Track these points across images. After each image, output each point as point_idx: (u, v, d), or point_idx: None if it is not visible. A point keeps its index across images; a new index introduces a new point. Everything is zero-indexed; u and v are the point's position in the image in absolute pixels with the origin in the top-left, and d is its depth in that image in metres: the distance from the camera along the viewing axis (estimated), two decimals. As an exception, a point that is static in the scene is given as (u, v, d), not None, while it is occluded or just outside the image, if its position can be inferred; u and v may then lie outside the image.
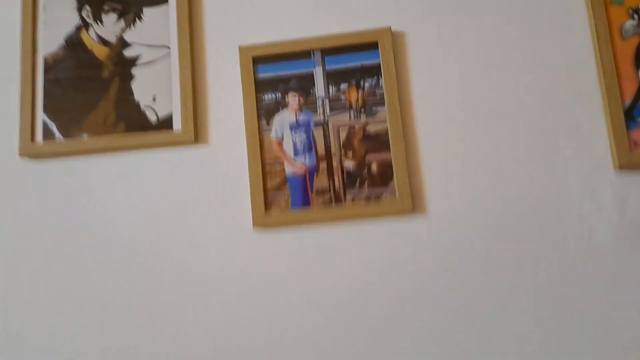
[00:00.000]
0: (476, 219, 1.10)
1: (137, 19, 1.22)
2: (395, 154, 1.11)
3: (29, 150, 1.16)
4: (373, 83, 1.15)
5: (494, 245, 1.08)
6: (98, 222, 1.15)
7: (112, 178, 1.17)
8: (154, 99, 1.18)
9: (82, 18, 1.22)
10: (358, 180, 1.11)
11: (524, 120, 1.13)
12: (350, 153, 1.13)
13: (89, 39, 1.22)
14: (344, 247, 1.10)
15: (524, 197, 1.10)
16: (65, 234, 1.15)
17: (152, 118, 1.17)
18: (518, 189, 1.10)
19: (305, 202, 1.11)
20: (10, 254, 1.15)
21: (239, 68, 1.18)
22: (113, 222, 1.15)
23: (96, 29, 1.22)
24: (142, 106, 1.18)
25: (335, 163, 1.13)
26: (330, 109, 1.15)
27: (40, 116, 1.18)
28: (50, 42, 1.22)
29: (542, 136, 1.12)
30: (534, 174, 1.11)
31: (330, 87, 1.16)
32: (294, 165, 1.13)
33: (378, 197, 1.10)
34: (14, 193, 1.17)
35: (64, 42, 1.22)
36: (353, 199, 1.11)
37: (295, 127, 1.15)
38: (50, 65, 1.21)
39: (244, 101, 1.16)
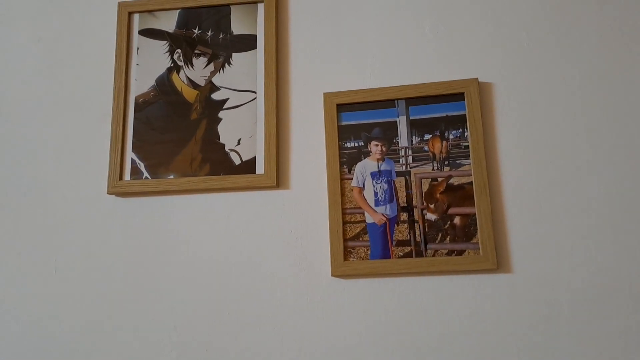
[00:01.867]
0: (564, 284, 1.05)
1: (226, 64, 1.26)
2: (479, 209, 1.09)
3: (117, 188, 1.21)
4: (458, 134, 1.14)
5: (582, 313, 1.04)
6: (178, 260, 1.18)
7: (194, 217, 1.19)
8: (239, 142, 1.21)
9: (173, 61, 1.28)
10: (440, 234, 1.10)
11: (617, 177, 1.09)
12: (432, 205, 1.11)
13: (179, 81, 1.26)
14: (423, 301, 1.08)
15: (616, 263, 1.05)
16: (147, 269, 1.18)
17: (236, 161, 1.20)
18: (610, 254, 1.05)
19: (385, 253, 1.10)
20: (95, 287, 1.19)
21: (322, 114, 1.20)
22: (192, 260, 1.17)
23: (187, 71, 1.27)
24: (227, 149, 1.21)
25: (416, 215, 1.11)
26: (413, 159, 1.14)
27: (129, 155, 1.23)
28: (142, 83, 1.27)
29: (637, 196, 1.07)
30: (628, 238, 1.06)
31: (414, 136, 1.15)
32: (375, 215, 1.12)
33: (460, 253, 1.08)
34: (100, 228, 1.22)
35: (155, 83, 1.27)
36: (434, 253, 1.09)
37: (377, 176, 1.15)
38: (141, 106, 1.26)
39: (326, 148, 1.17)
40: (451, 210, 1.11)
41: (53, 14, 1.36)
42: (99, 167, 1.25)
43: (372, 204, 1.13)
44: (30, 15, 1.37)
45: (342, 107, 1.19)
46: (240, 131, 1.22)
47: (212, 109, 1.24)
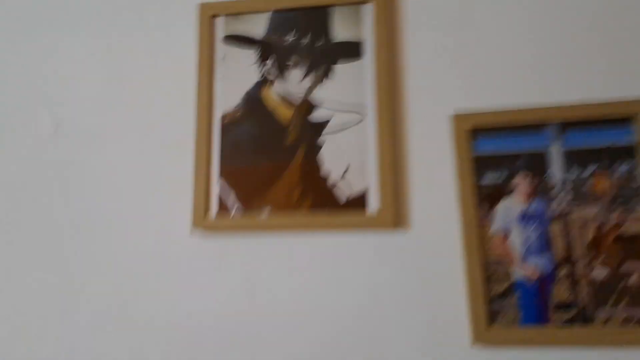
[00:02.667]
0: None
1: (327, 76, 1.05)
2: (665, 265, 0.85)
3: (202, 224, 1.01)
4: (628, 168, 0.91)
5: None
6: (271, 310, 0.97)
7: (292, 260, 0.99)
8: (346, 173, 1.00)
9: (264, 73, 1.07)
10: (612, 296, 0.87)
11: None
12: (600, 258, 0.89)
13: (270, 97, 1.06)
14: (591, 381, 0.86)
15: None
16: (235, 320, 0.98)
17: (343, 195, 0.99)
18: None
19: (541, 317, 0.88)
20: (175, 337, 1.00)
21: (452, 140, 0.98)
22: (287, 312, 0.97)
23: (279, 86, 1.06)
24: (331, 180, 1.00)
25: (579, 269, 0.89)
26: (572, 199, 0.92)
27: (216, 184, 1.04)
28: (228, 99, 1.07)
29: None
30: None
31: (572, 170, 0.92)
32: (525, 269, 0.90)
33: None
34: (183, 270, 1.02)
35: (242, 100, 1.07)
36: (606, 320, 0.86)
37: (525, 219, 0.92)
38: (228, 127, 1.06)
39: (458, 182, 0.95)
40: (626, 266, 0.88)
41: (123, 17, 1.16)
42: (181, 200, 1.05)
43: (521, 255, 0.91)
44: (96, 19, 1.18)
45: (477, 132, 0.96)
46: (347, 159, 1.00)
47: (312, 131, 1.03)
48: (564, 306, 0.88)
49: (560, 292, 0.88)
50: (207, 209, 1.02)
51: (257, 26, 1.09)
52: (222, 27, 1.10)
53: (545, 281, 0.89)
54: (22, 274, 1.08)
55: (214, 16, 1.10)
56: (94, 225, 1.07)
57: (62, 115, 1.14)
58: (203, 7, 1.10)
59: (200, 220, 1.01)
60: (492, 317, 0.89)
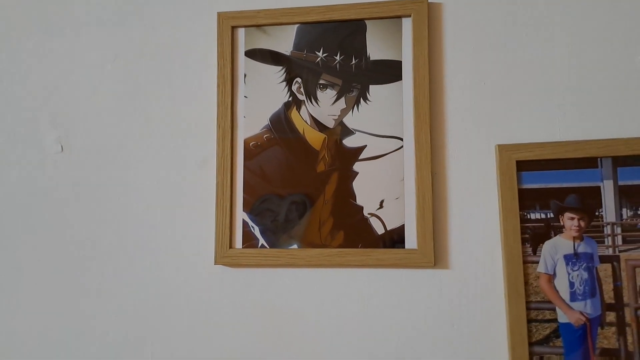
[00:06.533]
0: None
1: (361, 100, 0.97)
2: None
3: (227, 259, 0.96)
4: (684, 208, 0.86)
5: None
6: (296, 348, 0.95)
7: (322, 297, 0.95)
8: (382, 205, 0.94)
9: (292, 93, 0.99)
10: (662, 344, 0.84)
11: None
12: (650, 303, 0.86)
13: (300, 120, 0.98)
14: None
15: None
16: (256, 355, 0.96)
17: (379, 230, 0.94)
18: None
19: (586, 364, 0.86)
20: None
21: (495, 173, 0.92)
22: (313, 349, 0.94)
23: (309, 108, 0.98)
24: (365, 213, 0.94)
25: (628, 316, 0.85)
26: (624, 240, 0.87)
27: (240, 215, 0.98)
28: (252, 121, 0.99)
29: None
30: None
31: (625, 209, 0.87)
32: (570, 313, 0.87)
33: (693, 372, 0.83)
34: (206, 305, 0.98)
35: (269, 122, 0.99)
36: (654, 369, 0.84)
37: (572, 260, 0.88)
38: (252, 151, 0.99)
39: (501, 218, 0.89)
40: (677, 313, 0.85)
41: (133, 22, 1.06)
42: (205, 232, 1.00)
43: (567, 298, 0.87)
44: (102, 24, 1.07)
45: (523, 165, 0.90)
46: (383, 190, 0.94)
47: (345, 159, 0.96)
48: (609, 353, 0.85)
49: (606, 338, 0.85)
50: (230, 243, 0.97)
51: (284, 40, 1.00)
52: (243, 41, 1.01)
53: (591, 326, 0.86)
54: (31, 301, 1.03)
55: (235, 27, 1.00)
56: (105, 253, 1.02)
57: (70, 132, 1.06)
58: (222, 17, 1.00)
59: (222, 256, 0.96)
60: (535, 363, 0.87)
